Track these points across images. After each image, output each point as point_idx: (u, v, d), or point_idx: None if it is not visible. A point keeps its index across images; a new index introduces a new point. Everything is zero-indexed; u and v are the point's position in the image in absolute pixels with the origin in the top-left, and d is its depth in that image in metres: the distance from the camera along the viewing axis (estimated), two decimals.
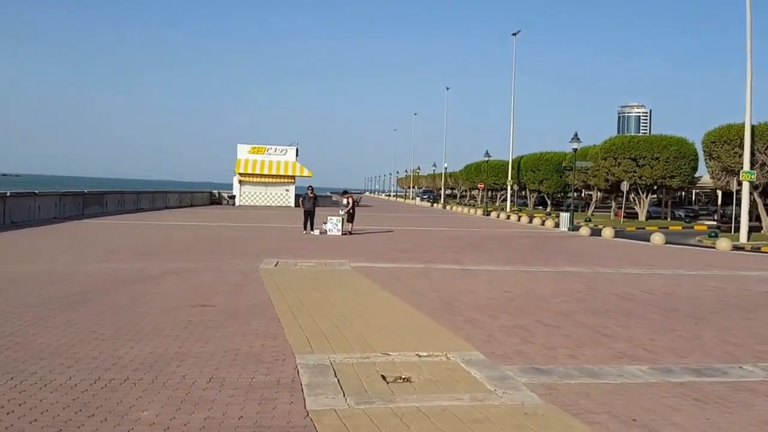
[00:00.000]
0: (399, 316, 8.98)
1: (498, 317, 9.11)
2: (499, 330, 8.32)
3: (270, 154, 52.84)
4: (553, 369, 6.67)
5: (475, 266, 15.11)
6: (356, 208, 24.77)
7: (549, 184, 60.06)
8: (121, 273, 12.34)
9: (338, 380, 6.09)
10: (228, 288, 10.95)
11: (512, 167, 64.05)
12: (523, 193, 73.69)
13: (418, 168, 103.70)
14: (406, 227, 30.36)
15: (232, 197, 53.06)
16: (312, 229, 23.58)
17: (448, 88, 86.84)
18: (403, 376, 6.37)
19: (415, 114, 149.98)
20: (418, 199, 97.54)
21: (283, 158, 52.95)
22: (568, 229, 30.33)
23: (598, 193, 52.35)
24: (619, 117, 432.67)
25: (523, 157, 64.87)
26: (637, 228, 38.20)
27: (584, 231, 27.63)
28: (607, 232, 26.19)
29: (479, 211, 51.84)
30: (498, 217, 44.70)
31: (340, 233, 23.65)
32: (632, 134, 55.27)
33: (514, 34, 63.43)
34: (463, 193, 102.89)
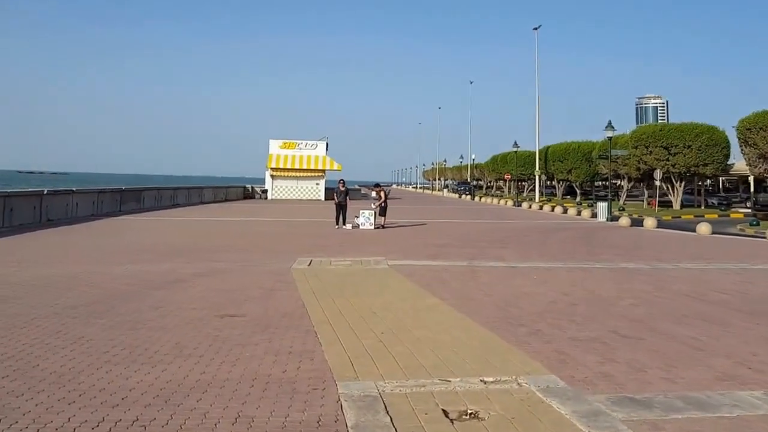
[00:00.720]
0: (452, 328, 7.60)
1: (565, 327, 7.67)
2: (571, 344, 6.89)
3: (301, 149, 51.77)
4: (651, 399, 5.25)
5: (523, 263, 13.64)
6: (387, 201, 23.43)
7: (578, 174, 57.98)
8: (148, 276, 11.17)
9: (391, 419, 4.76)
10: (259, 293, 9.70)
11: (539, 157, 62.08)
12: (551, 182, 71.52)
13: (444, 160, 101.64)
14: (439, 220, 28.91)
15: (265, 191, 52.16)
16: (344, 224, 22.31)
17: (471, 82, 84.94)
18: (469, 411, 5.01)
19: (440, 108, 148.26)
20: (445, 190, 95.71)
21: (313, 152, 51.84)
22: (606, 220, 28.56)
23: (628, 182, 50.09)
24: (636, 108, 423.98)
25: (550, 147, 62.78)
26: (672, 217, 36.18)
27: (624, 221, 25.84)
28: (650, 222, 24.37)
29: (509, 202, 50.00)
30: (530, 207, 42.86)
31: (372, 227, 22.34)
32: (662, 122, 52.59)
33: (536, 29, 61.32)
34: (489, 183, 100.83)
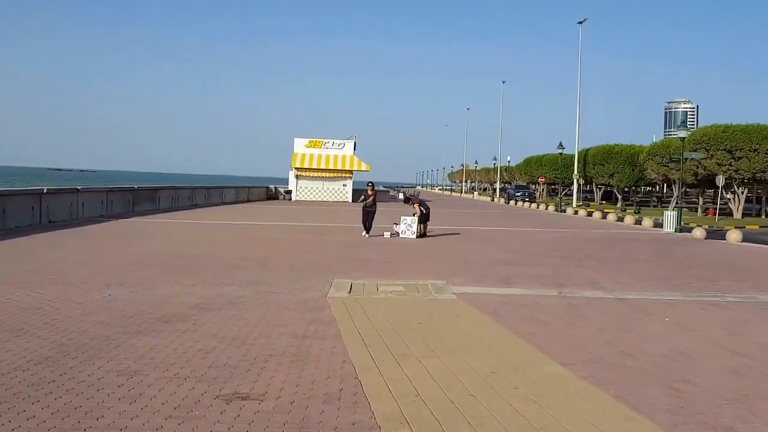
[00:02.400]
0: None
1: None
2: None
3: (327, 148, 48.78)
4: None
5: (627, 292, 10.35)
6: (428, 207, 20.21)
7: (620, 178, 54.20)
8: (135, 307, 8.15)
9: None
10: (285, 344, 6.58)
11: (578, 160, 58.41)
12: (588, 187, 67.73)
13: (476, 162, 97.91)
14: (482, 226, 25.64)
15: (289, 192, 49.28)
16: (367, 232, 19.10)
17: (504, 82, 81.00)
18: None
19: (468, 109, 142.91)
20: (475, 193, 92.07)
21: (340, 152, 48.83)
22: (675, 230, 25.02)
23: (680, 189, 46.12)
24: (665, 113, 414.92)
25: (590, 149, 59.06)
26: (735, 227, 32.40)
27: (698, 233, 22.31)
28: (734, 236, 20.78)
29: (550, 207, 46.28)
30: (575, 213, 39.10)
31: (414, 236, 19.18)
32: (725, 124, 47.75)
33: (580, 23, 57.57)
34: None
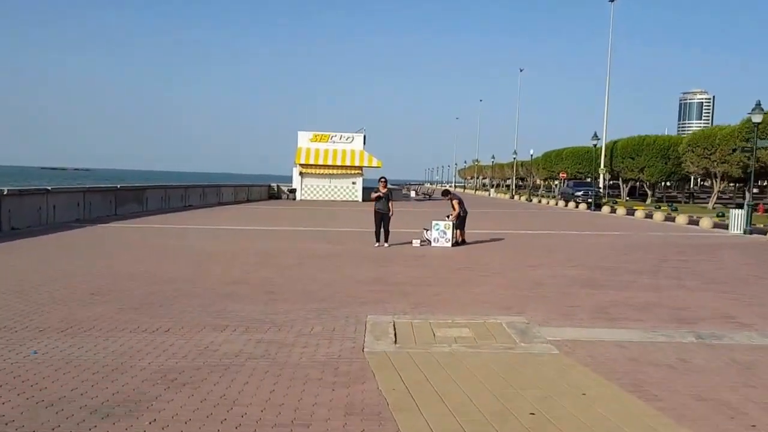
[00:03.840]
0: None
1: None
2: None
3: (334, 142, 45.78)
4: None
5: None
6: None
7: (651, 172, 50.96)
8: (62, 382, 5.20)
9: None
10: None
11: (605, 154, 55.27)
12: (611, 182, 64.55)
13: (493, 157, 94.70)
14: (521, 230, 22.64)
15: (293, 191, 46.31)
16: (386, 240, 16.01)
17: (521, 70, 77.79)
18: None
19: (481, 100, 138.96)
20: (492, 190, 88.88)
21: (348, 147, 45.83)
22: (744, 232, 21.96)
23: (721, 183, 42.94)
24: (680, 104, 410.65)
25: (618, 141, 55.87)
26: None
27: None
28: None
29: (581, 205, 43.00)
30: (613, 212, 35.71)
31: (449, 244, 16.21)
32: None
33: (612, 0, 54.54)
34: (537, 183, 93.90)
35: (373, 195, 16.32)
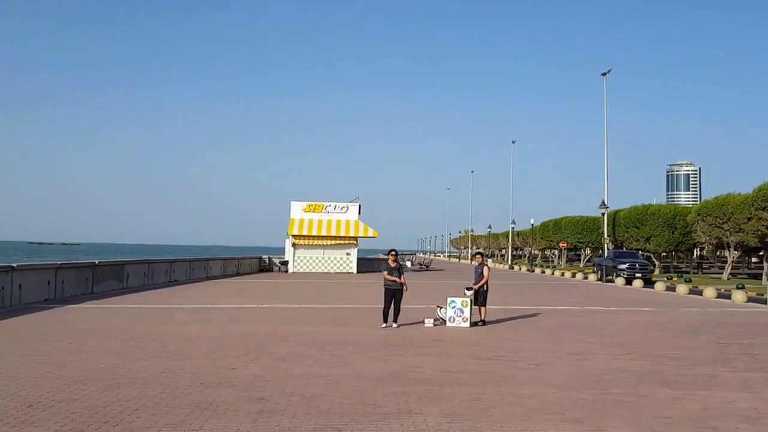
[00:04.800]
0: None
1: None
2: None
3: (329, 212, 44.07)
4: None
5: None
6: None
7: (658, 242, 49.36)
8: None
9: None
10: None
11: (607, 223, 53.86)
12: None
13: (489, 226, 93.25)
14: (543, 305, 20.55)
15: (285, 263, 44.18)
16: (395, 320, 13.90)
17: (513, 142, 77.53)
18: None
19: (473, 171, 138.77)
20: (490, 261, 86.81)
21: (343, 216, 44.12)
22: None
23: (735, 252, 41.23)
24: (667, 175, 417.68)
25: (619, 211, 54.60)
26: None
27: None
28: None
29: (590, 276, 40.69)
30: (629, 284, 32.93)
31: (467, 324, 14.13)
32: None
33: (604, 74, 54.58)
34: (534, 253, 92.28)
35: (386, 274, 14.21)
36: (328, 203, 44.52)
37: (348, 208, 44.55)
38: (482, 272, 14.69)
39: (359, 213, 44.76)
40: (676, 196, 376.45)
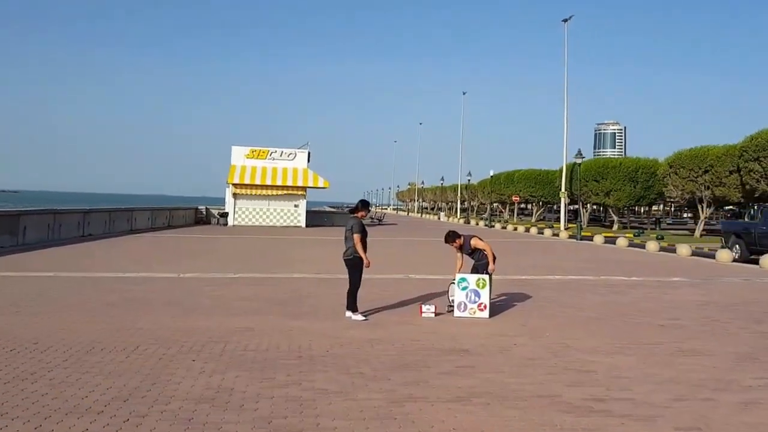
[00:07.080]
0: None
1: None
2: None
3: (274, 159, 38.18)
4: None
5: None
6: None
7: (618, 196, 45.77)
8: None
9: None
10: None
11: (566, 176, 49.95)
12: (572, 207, 59.47)
13: (442, 179, 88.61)
14: (550, 275, 15.81)
15: (224, 215, 38.20)
16: (354, 309, 8.74)
17: (464, 93, 72.27)
18: None
19: (421, 123, 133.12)
20: (441, 214, 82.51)
21: (290, 164, 38.33)
22: None
23: (707, 209, 37.73)
24: (595, 134, 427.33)
25: (581, 163, 50.69)
26: None
27: None
28: None
29: (562, 233, 36.35)
30: (607, 242, 28.89)
31: (487, 314, 9.07)
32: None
33: (565, 21, 49.67)
34: (482, 207, 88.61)
35: (360, 238, 8.84)
36: (273, 149, 38.56)
37: (296, 155, 38.72)
38: (477, 246, 9.49)
39: (308, 161, 39.03)
40: (602, 153, 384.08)
